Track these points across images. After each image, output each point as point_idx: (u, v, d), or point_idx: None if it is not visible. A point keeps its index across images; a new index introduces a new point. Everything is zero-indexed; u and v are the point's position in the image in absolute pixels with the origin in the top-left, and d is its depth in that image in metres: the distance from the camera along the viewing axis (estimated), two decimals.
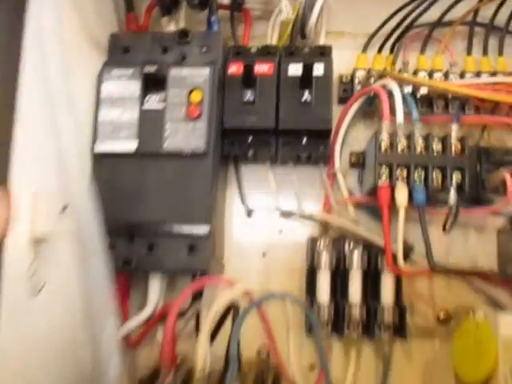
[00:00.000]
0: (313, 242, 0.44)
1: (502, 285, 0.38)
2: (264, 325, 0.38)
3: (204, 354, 0.36)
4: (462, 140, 0.39)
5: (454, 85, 0.40)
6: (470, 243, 0.44)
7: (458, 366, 0.38)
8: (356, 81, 0.46)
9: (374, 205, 0.41)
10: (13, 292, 0.30)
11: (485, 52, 0.46)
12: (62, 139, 0.36)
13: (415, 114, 0.40)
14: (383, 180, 0.39)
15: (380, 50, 0.46)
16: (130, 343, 0.44)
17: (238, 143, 0.44)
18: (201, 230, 0.40)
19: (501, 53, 0.46)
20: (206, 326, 0.36)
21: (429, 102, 0.44)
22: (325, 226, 0.45)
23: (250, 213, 0.47)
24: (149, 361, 0.44)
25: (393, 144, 0.39)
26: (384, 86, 0.42)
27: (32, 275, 0.32)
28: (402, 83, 0.42)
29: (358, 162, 0.46)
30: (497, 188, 0.40)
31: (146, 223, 0.40)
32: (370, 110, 0.46)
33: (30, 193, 0.32)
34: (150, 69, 0.40)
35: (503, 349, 0.34)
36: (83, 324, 0.38)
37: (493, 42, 0.46)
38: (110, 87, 0.41)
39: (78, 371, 0.38)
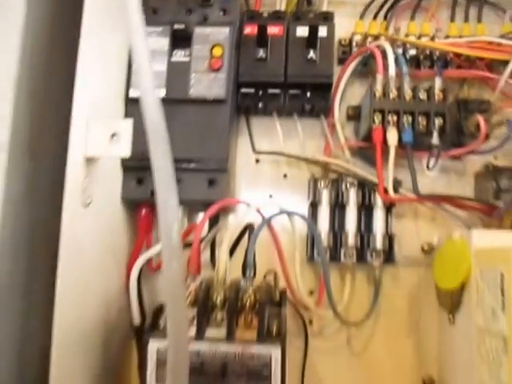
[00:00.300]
0: (314, 182, 0.51)
1: (476, 210, 0.46)
2: (274, 239, 0.45)
3: (224, 265, 0.42)
4: (443, 91, 0.46)
5: (438, 43, 0.47)
6: (451, 184, 0.52)
7: (438, 278, 0.46)
8: (354, 44, 0.53)
9: (368, 148, 0.48)
10: (71, 200, 0.37)
11: (466, 19, 0.53)
12: (108, 83, 0.42)
13: (405, 68, 0.47)
14: (377, 123, 0.46)
15: (375, 17, 0.53)
16: (151, 268, 0.50)
17: (250, 96, 0.51)
18: (219, 165, 0.47)
19: (479, 20, 0.53)
20: (226, 240, 0.42)
21: (417, 62, 0.51)
22: (325, 169, 0.52)
23: (257, 160, 0.54)
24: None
25: (385, 93, 0.46)
26: (378, 46, 0.48)
27: (84, 189, 0.39)
28: (393, 44, 0.49)
29: (355, 114, 0.53)
30: (473, 133, 0.47)
31: (174, 159, 0.46)
32: (365, 70, 0.53)
33: (86, 121, 0.38)
34: (179, 26, 0.47)
35: (475, 257, 0.41)
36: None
37: (473, 11, 0.53)
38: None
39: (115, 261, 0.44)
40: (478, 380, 0.39)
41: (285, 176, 0.54)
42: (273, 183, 0.54)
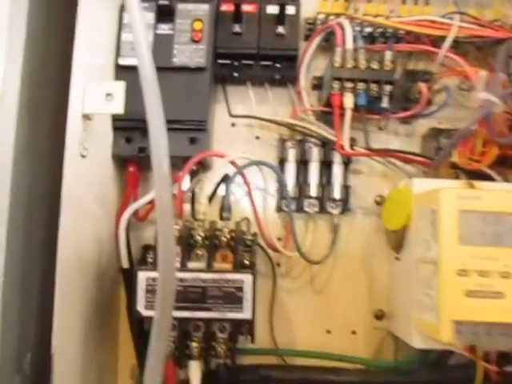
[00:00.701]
0: (282, 142, 0.58)
1: (419, 163, 0.54)
2: (247, 188, 0.52)
3: (204, 209, 0.50)
4: (393, 62, 0.54)
5: (389, 21, 0.55)
6: (401, 145, 0.59)
7: (386, 222, 0.54)
8: (318, 22, 0.60)
9: (329, 111, 0.55)
10: (71, 151, 0.43)
11: (416, 2, 0.60)
12: (101, 52, 0.48)
13: (360, 43, 0.54)
14: (336, 89, 0.53)
15: None
16: (138, 218, 0.57)
17: (226, 66, 0.58)
18: (200, 126, 0.54)
19: (427, 3, 0.60)
20: (205, 189, 0.49)
21: (372, 38, 0.58)
22: (292, 130, 0.59)
23: (233, 124, 0.61)
24: (154, 233, 0.57)
25: (343, 64, 0.53)
26: (338, 23, 0.56)
27: (82, 142, 0.45)
28: (352, 22, 0.56)
29: (318, 84, 0.60)
30: (417, 99, 0.55)
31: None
32: (328, 45, 0.60)
33: (83, 83, 0.44)
34: (163, 2, 0.53)
35: (414, 201, 0.49)
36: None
37: None
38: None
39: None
40: (416, 300, 0.48)
41: (257, 138, 0.61)
42: (247, 144, 0.61)
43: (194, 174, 0.55)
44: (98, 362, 0.50)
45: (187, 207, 0.54)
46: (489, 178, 0.52)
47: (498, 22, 0.57)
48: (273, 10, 0.56)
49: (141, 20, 0.34)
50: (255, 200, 0.54)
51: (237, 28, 0.55)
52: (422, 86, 0.53)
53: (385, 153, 0.54)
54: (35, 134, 0.44)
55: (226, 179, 0.51)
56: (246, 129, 0.61)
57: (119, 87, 0.45)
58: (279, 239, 0.58)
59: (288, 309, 0.59)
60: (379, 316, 0.58)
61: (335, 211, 0.58)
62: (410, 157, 0.53)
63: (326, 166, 0.58)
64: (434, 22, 0.54)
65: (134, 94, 0.51)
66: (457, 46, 0.55)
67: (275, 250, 0.55)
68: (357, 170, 0.60)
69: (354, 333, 0.58)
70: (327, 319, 0.58)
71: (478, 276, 0.42)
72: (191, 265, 0.47)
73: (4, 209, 0.38)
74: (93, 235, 0.49)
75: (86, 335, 0.47)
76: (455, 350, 0.46)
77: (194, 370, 0.46)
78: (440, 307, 0.43)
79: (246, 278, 0.45)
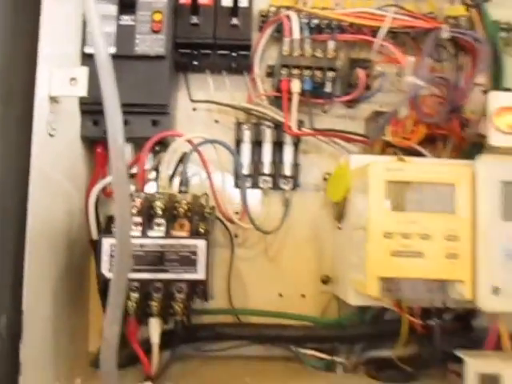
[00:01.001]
0: (239, 125, 0.64)
1: (359, 142, 0.60)
2: (203, 164, 0.58)
3: (164, 183, 0.55)
4: (335, 50, 0.59)
5: (331, 13, 0.60)
6: (346, 127, 0.65)
7: (329, 195, 0.60)
8: (270, 14, 0.65)
9: (280, 96, 0.61)
10: (38, 130, 0.47)
11: None
12: (68, 40, 0.53)
13: (306, 33, 0.60)
14: (284, 76, 0.59)
15: None
16: (106, 194, 0.62)
17: (186, 55, 0.63)
18: (161, 109, 0.59)
19: None
20: (165, 163, 0.55)
21: (319, 29, 0.64)
22: (247, 114, 0.65)
23: (194, 108, 0.66)
24: None
25: (291, 53, 0.59)
26: (287, 16, 0.61)
27: (49, 122, 0.50)
28: (300, 14, 0.62)
29: (271, 71, 0.65)
30: (357, 84, 0.61)
31: (124, 104, 0.58)
32: (279, 36, 0.65)
33: (50, 68, 0.49)
34: None
35: (352, 175, 0.55)
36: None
37: None
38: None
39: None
40: (350, 263, 0.54)
41: (216, 121, 0.66)
42: (206, 127, 0.66)
43: (156, 154, 0.60)
44: (69, 325, 0.55)
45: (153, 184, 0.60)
46: (421, 155, 0.58)
47: (432, 15, 0.64)
48: (227, 2, 0.61)
49: (95, 12, 0.39)
50: (214, 177, 0.59)
51: (194, 19, 0.60)
52: (360, 72, 0.59)
53: (327, 133, 0.60)
54: (7, 118, 0.49)
55: (184, 157, 0.57)
56: (206, 113, 0.66)
57: (82, 72, 0.49)
58: (237, 213, 0.64)
59: (244, 275, 0.65)
60: (325, 281, 0.64)
61: (286, 187, 0.64)
62: (350, 136, 0.59)
63: (278, 146, 0.64)
64: (372, 14, 0.59)
65: (97, 79, 0.57)
66: (394, 36, 0.61)
67: (232, 222, 0.61)
68: (306, 149, 0.65)
69: (303, 296, 0.64)
70: (279, 284, 0.65)
71: (401, 238, 0.49)
72: (151, 233, 0.52)
73: None
74: (63, 208, 0.54)
75: (56, 299, 0.52)
76: (384, 305, 0.52)
77: (154, 326, 0.52)
78: (368, 266, 0.49)
79: (200, 244, 0.51)
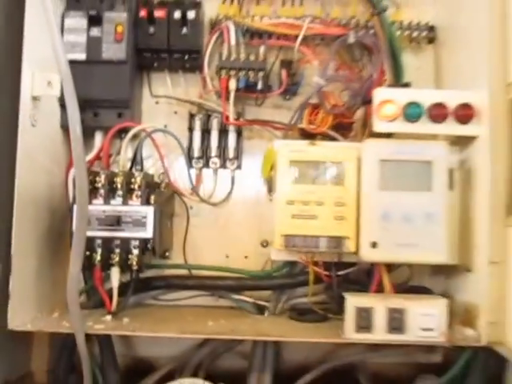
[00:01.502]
0: (191, 116, 0.78)
1: (284, 129, 0.73)
2: (156, 149, 0.72)
3: (123, 162, 0.70)
4: (264, 54, 0.72)
5: (260, 23, 0.73)
6: (282, 118, 0.78)
7: (262, 172, 0.73)
8: (219, 21, 0.78)
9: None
10: (23, 122, 0.62)
11: (293, 4, 0.78)
12: (46, 48, 0.68)
13: (241, 39, 0.73)
14: (223, 75, 0.72)
15: (232, 2, 0.78)
16: None
17: (147, 58, 0.76)
18: (125, 104, 0.73)
19: (301, 4, 0.78)
20: (124, 147, 0.69)
21: (260, 35, 0.76)
22: (199, 107, 0.78)
23: (157, 102, 0.80)
24: None
25: (229, 56, 0.72)
26: (226, 25, 0.74)
27: (32, 116, 0.65)
28: (238, 23, 0.75)
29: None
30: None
31: (94, 100, 0.72)
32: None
33: (32, 73, 0.64)
34: (92, 12, 0.72)
35: (276, 155, 0.68)
36: None
37: None
38: (69, 22, 0.72)
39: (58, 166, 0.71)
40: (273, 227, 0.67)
41: (175, 112, 0.80)
42: (167, 117, 0.80)
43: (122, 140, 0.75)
44: (51, 271, 0.70)
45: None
46: (335, 139, 0.71)
47: (355, 19, 0.76)
48: (177, 15, 0.74)
49: (57, 31, 0.53)
50: (169, 159, 0.74)
51: (151, 29, 0.74)
52: (283, 72, 0.72)
53: (255, 122, 0.74)
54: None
55: (139, 142, 0.71)
56: (167, 106, 0.80)
57: (56, 78, 0.64)
58: (192, 189, 0.78)
59: (197, 239, 0.79)
60: (265, 245, 0.78)
61: (231, 167, 0.78)
62: (274, 125, 0.73)
63: (224, 133, 0.78)
64: (291, 24, 0.72)
65: (75, 79, 0.71)
66: (311, 40, 0.74)
67: (183, 195, 0.76)
68: (250, 136, 0.79)
69: (246, 257, 0.78)
70: (226, 247, 0.79)
71: (301, 204, 0.62)
72: (113, 201, 0.66)
73: None
74: (45, 182, 0.69)
75: (39, 251, 0.67)
76: (295, 259, 0.66)
77: (114, 274, 0.66)
78: (275, 226, 0.63)
79: (149, 210, 0.66)
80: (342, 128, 0.71)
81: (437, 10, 0.80)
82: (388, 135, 0.65)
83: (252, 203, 0.79)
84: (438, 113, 0.63)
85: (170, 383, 0.66)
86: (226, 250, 0.79)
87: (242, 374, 0.73)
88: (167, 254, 0.77)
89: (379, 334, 0.60)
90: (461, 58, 0.72)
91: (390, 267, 0.66)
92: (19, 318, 0.61)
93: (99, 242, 0.65)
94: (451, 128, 0.64)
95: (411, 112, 0.63)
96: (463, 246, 0.68)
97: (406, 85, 0.71)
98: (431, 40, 0.79)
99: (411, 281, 0.72)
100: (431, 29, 0.78)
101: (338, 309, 0.64)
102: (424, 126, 0.63)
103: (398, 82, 0.70)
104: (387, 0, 0.76)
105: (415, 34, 0.77)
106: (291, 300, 0.74)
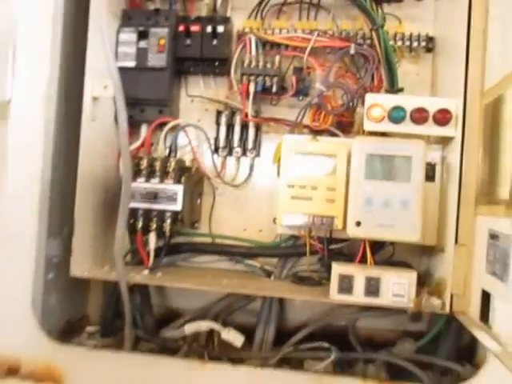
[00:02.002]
0: (219, 113, 0.94)
1: (289, 125, 0.87)
2: (189, 140, 0.88)
3: (161, 151, 0.87)
4: (280, 62, 0.87)
5: (276, 37, 0.87)
6: (294, 115, 0.92)
7: (274, 160, 0.87)
8: (245, 32, 0.93)
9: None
10: (86, 117, 0.80)
11: (308, 19, 0.92)
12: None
13: (260, 50, 0.87)
14: (244, 80, 0.87)
15: (256, 17, 0.93)
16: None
17: (184, 65, 0.93)
18: (165, 103, 0.90)
19: (316, 19, 0.91)
20: (162, 138, 0.86)
21: (276, 47, 0.91)
22: (226, 106, 0.94)
23: (192, 100, 0.97)
24: None
25: (249, 64, 0.87)
26: (248, 38, 0.89)
27: (92, 112, 0.83)
28: (258, 37, 0.89)
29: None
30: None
31: (140, 99, 0.89)
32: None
33: (92, 78, 0.81)
34: (141, 28, 0.89)
35: (283, 146, 0.83)
36: None
37: (312, 13, 0.92)
38: (122, 36, 0.89)
39: (112, 151, 0.89)
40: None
41: (206, 110, 0.96)
42: (200, 114, 0.96)
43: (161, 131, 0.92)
44: (104, 240, 0.89)
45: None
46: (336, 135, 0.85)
47: (362, 31, 0.88)
48: (209, 29, 0.90)
49: (111, 52, 0.70)
50: (200, 148, 0.91)
51: (188, 41, 0.90)
52: (293, 78, 0.86)
53: (268, 119, 0.89)
54: (67, 110, 0.82)
55: (175, 134, 0.88)
56: (200, 104, 0.97)
57: (110, 83, 0.81)
58: (217, 173, 0.94)
59: (221, 215, 0.95)
60: (276, 221, 0.93)
61: (251, 155, 0.93)
62: (284, 122, 0.87)
63: (245, 127, 0.93)
64: (302, 37, 0.86)
65: (125, 83, 0.88)
66: (319, 51, 0.87)
67: (209, 178, 0.92)
68: (267, 130, 0.94)
69: (260, 231, 0.94)
70: (244, 222, 0.94)
71: (299, 188, 0.77)
72: (152, 180, 0.84)
73: (48, 155, 0.77)
74: (102, 165, 0.88)
75: (95, 222, 0.86)
76: (297, 234, 0.81)
77: (151, 238, 0.84)
78: (278, 205, 0.78)
79: (179, 188, 0.82)
80: (343, 126, 0.84)
81: (436, 22, 0.91)
82: (382, 134, 0.78)
83: (267, 186, 0.94)
84: (419, 116, 0.75)
85: (190, 324, 0.83)
86: (243, 224, 0.94)
87: (252, 329, 0.89)
88: (196, 225, 0.94)
89: (358, 296, 0.74)
90: (448, 67, 0.83)
91: (377, 246, 0.80)
92: (79, 268, 0.80)
93: (141, 212, 0.83)
94: (430, 129, 0.76)
95: (396, 115, 0.75)
96: (440, 229, 0.80)
97: (400, 90, 0.83)
98: (429, 49, 0.90)
99: (398, 258, 0.85)
100: (430, 39, 0.89)
101: (329, 276, 0.78)
102: (407, 127, 0.76)
103: (393, 87, 0.83)
104: (391, 15, 0.88)
105: (415, 44, 0.89)
106: (294, 268, 0.88)
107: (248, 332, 0.87)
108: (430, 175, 0.81)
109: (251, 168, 0.94)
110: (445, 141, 0.81)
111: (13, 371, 0.69)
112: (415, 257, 0.89)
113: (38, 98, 0.76)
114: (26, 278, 0.76)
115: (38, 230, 0.78)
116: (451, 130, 0.76)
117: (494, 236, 0.65)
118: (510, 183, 0.61)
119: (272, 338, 0.87)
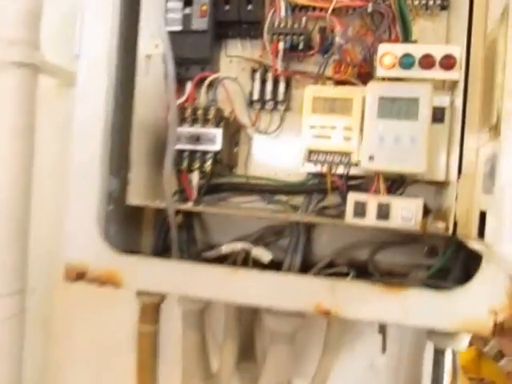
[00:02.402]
0: (253, 71, 1.06)
1: (313, 78, 0.99)
2: (227, 93, 1.02)
3: (203, 101, 1.01)
4: (306, 22, 0.98)
5: (302, 0, 0.99)
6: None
7: (301, 109, 1.00)
8: None
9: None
10: (140, 71, 0.96)
11: None
12: (153, 21, 1.00)
13: (289, 12, 0.99)
14: (274, 39, 0.99)
15: None
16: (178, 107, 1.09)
17: (224, 28, 1.06)
18: (206, 61, 1.04)
19: None
20: (203, 91, 1.00)
21: (303, 9, 1.02)
22: (260, 64, 1.06)
23: (230, 61, 1.10)
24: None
25: (279, 25, 0.99)
26: (278, 2, 1.01)
27: (146, 67, 0.98)
28: (287, 1, 1.01)
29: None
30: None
31: (185, 58, 1.04)
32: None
33: (144, 38, 0.96)
34: None
35: (306, 96, 0.95)
36: None
37: None
38: (170, 4, 1.04)
39: (163, 106, 1.05)
40: None
41: (243, 69, 1.09)
42: (237, 72, 1.09)
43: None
44: (155, 177, 1.04)
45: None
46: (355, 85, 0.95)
47: None
48: None
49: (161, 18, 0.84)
50: (237, 101, 1.04)
51: (226, 7, 1.03)
52: (317, 36, 0.97)
53: (294, 72, 1.01)
54: (127, 63, 0.98)
55: (215, 87, 1.02)
56: (237, 63, 1.10)
57: (160, 42, 0.96)
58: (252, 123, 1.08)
59: (255, 161, 1.08)
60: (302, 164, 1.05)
61: (281, 108, 1.05)
62: (308, 74, 0.99)
63: (277, 83, 1.05)
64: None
65: (173, 45, 1.02)
66: (341, 11, 0.98)
67: (245, 126, 1.05)
68: (296, 85, 1.06)
69: (289, 175, 1.06)
70: (275, 168, 1.07)
71: (319, 128, 0.89)
72: (195, 126, 0.98)
73: (109, 104, 0.93)
74: (153, 114, 1.03)
75: (147, 162, 1.01)
76: (321, 171, 0.93)
77: (195, 176, 0.98)
78: (302, 143, 0.90)
79: (218, 131, 0.96)
80: (362, 76, 0.95)
81: None
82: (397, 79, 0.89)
83: (296, 134, 1.06)
84: (426, 62, 0.85)
85: (227, 244, 0.97)
86: (274, 169, 1.07)
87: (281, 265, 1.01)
88: (234, 170, 1.08)
89: (370, 220, 0.85)
90: (457, 19, 0.92)
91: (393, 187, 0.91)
92: (133, 198, 0.96)
93: (186, 153, 0.98)
94: (437, 74, 0.85)
95: (405, 61, 0.85)
96: (448, 165, 0.90)
97: (414, 42, 0.92)
98: (444, 7, 0.98)
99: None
100: None
101: None
102: (415, 72, 0.86)
103: (408, 40, 0.92)
104: None
105: (430, 2, 0.98)
106: (319, 204, 1.00)
107: (277, 266, 1.00)
108: (439, 117, 0.90)
109: (281, 119, 1.06)
110: (453, 86, 0.90)
111: (81, 276, 0.86)
112: (432, 195, 0.99)
113: (101, 53, 0.91)
114: (92, 205, 0.92)
115: (101, 167, 0.95)
116: (456, 74, 0.85)
117: (487, 160, 0.75)
118: (496, 114, 0.70)
119: (298, 265, 0.99)
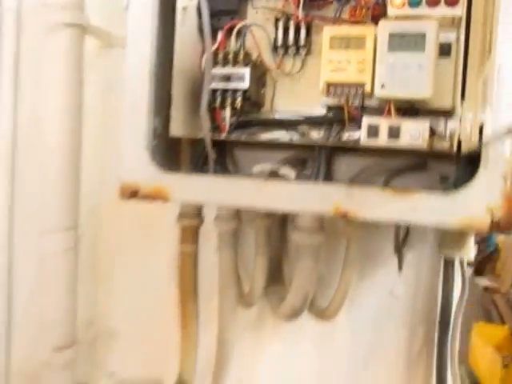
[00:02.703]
0: (277, 19, 1.18)
1: (331, 22, 1.10)
2: (254, 38, 1.15)
3: (232, 47, 1.14)
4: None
5: None
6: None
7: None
8: None
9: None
10: (178, 21, 1.09)
11: None
12: None
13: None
14: None
15: None
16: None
17: None
18: (233, 11, 1.16)
19: None
20: (233, 37, 1.13)
21: None
22: (282, 13, 1.18)
23: (256, 12, 1.22)
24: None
25: None
26: None
27: (182, 20, 1.11)
28: None
29: None
30: None
31: (217, 10, 1.16)
32: None
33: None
34: None
35: (323, 33, 1.07)
36: None
37: None
38: None
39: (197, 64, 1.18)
40: None
41: (267, 19, 1.21)
42: (263, 21, 1.21)
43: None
44: (193, 113, 1.18)
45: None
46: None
47: None
48: None
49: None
50: (262, 46, 1.17)
51: None
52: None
53: (313, 17, 1.12)
54: (166, 14, 1.11)
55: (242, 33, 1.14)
56: (262, 14, 1.21)
57: None
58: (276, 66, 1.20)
59: (280, 100, 1.21)
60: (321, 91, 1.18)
61: (303, 52, 1.17)
62: (325, 18, 1.11)
63: (298, 30, 1.17)
64: None
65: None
66: None
67: (270, 68, 1.18)
68: (317, 31, 1.17)
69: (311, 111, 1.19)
70: (298, 106, 1.19)
71: (336, 62, 1.01)
72: (227, 66, 1.11)
73: (153, 52, 1.07)
74: (189, 58, 1.16)
75: (186, 97, 1.15)
76: (339, 103, 1.05)
77: (227, 111, 1.12)
78: (321, 77, 1.02)
79: (247, 70, 1.09)
80: (376, 18, 1.06)
81: None
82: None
83: (316, 76, 1.18)
84: (432, 0, 0.96)
85: (256, 166, 1.11)
86: (297, 107, 1.20)
87: None
88: (261, 110, 1.21)
89: (382, 140, 0.98)
90: None
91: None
92: (176, 131, 1.10)
93: (218, 92, 1.11)
94: (442, 11, 0.96)
95: (413, 1, 0.96)
96: (453, 95, 1.02)
97: None
98: None
99: None
100: None
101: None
102: (423, 10, 0.97)
103: None
104: None
105: None
106: (338, 135, 1.13)
107: None
108: (446, 52, 1.02)
109: (303, 62, 1.18)
110: (460, 23, 1.01)
111: (134, 194, 1.00)
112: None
113: (146, 5, 1.05)
114: (143, 135, 1.06)
115: (148, 105, 1.09)
116: (459, 10, 0.96)
117: (484, 82, 0.86)
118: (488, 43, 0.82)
119: None
